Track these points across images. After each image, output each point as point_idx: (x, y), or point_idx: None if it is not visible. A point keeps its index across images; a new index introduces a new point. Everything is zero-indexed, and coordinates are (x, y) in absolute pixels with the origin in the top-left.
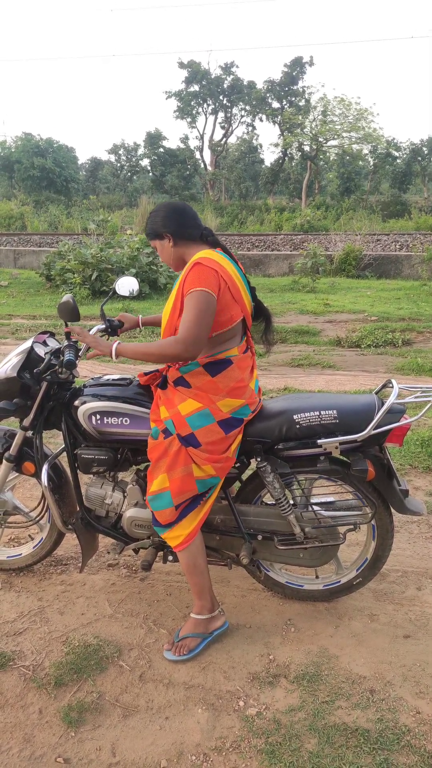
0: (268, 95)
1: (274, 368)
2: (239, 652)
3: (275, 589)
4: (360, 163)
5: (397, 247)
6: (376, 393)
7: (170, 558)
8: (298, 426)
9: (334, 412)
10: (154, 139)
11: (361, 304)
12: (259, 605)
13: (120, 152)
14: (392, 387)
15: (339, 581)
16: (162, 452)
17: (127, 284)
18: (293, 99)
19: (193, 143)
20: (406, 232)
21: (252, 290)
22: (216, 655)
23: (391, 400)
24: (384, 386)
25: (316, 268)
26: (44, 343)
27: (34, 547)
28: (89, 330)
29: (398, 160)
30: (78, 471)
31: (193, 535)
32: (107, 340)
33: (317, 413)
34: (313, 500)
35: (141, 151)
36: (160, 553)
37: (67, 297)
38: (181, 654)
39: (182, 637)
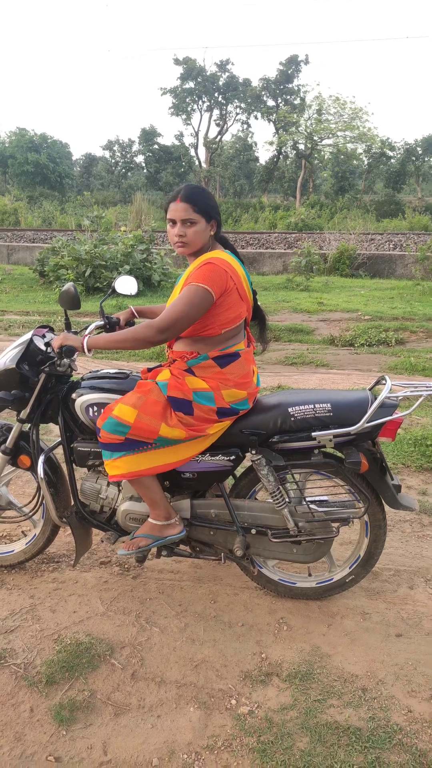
0: (263, 93)
1: (268, 366)
2: (231, 651)
3: (268, 586)
4: (354, 162)
5: (391, 246)
6: (370, 389)
7: (164, 553)
8: (292, 419)
9: (329, 405)
10: (148, 136)
11: (354, 303)
12: (252, 603)
13: (114, 148)
14: (385, 383)
15: (332, 579)
16: (145, 391)
17: (126, 283)
18: (288, 97)
19: (188, 140)
20: (399, 231)
21: (254, 292)
22: (208, 653)
23: (383, 395)
24: (377, 383)
25: (310, 266)
26: (43, 337)
27: (26, 544)
28: (87, 326)
29: (392, 160)
30: (74, 465)
31: (130, 476)
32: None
33: (312, 406)
34: (307, 498)
35: (136, 147)
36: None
37: (68, 285)
38: (130, 549)
39: (136, 536)
